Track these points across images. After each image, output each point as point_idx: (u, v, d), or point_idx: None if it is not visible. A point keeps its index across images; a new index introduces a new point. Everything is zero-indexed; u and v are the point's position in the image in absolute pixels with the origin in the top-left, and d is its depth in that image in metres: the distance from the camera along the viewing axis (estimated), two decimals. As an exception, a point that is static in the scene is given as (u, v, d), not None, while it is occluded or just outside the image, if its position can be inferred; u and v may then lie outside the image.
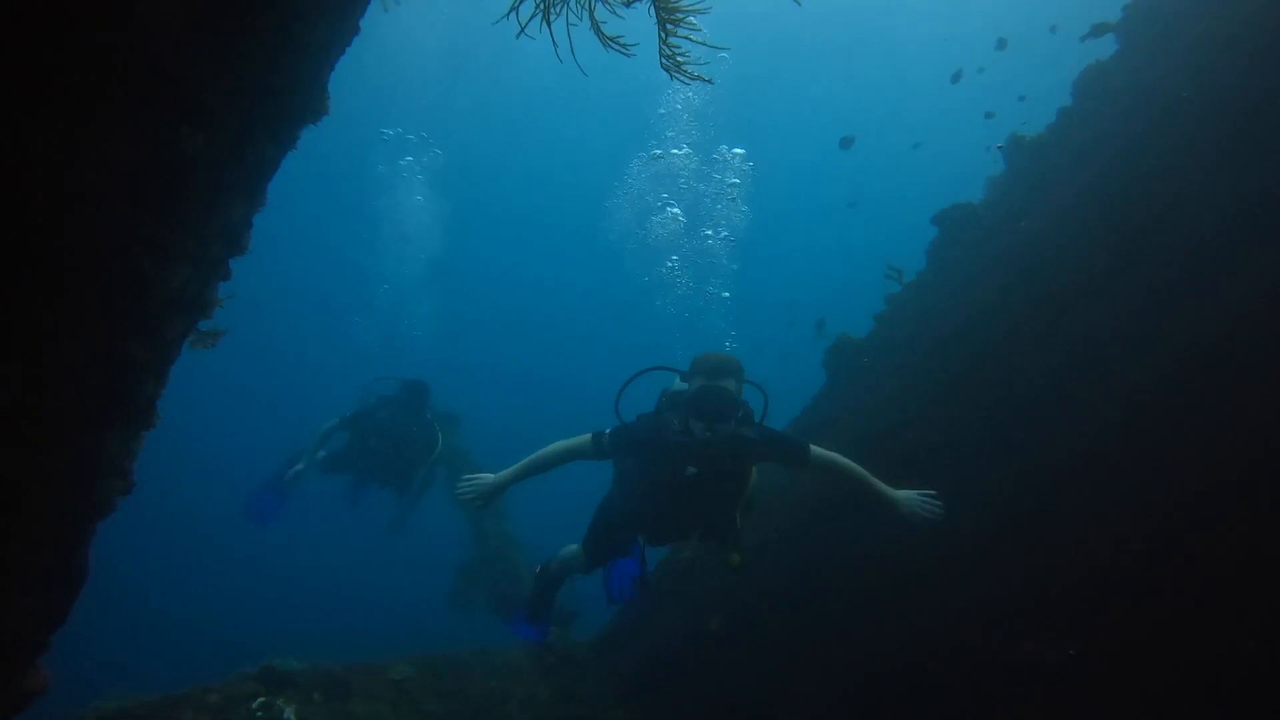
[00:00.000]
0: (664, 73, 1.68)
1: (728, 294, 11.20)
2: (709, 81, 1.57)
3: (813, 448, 3.94)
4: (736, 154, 10.88)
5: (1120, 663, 3.62)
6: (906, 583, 4.54)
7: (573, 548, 4.77)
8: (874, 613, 4.68)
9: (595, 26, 1.50)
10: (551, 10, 1.60)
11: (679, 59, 1.52)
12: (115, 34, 1.55)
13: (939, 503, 3.69)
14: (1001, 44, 10.14)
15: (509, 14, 1.47)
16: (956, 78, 10.76)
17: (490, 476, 3.97)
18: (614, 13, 1.49)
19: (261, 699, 4.22)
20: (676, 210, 10.95)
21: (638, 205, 11.67)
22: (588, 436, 4.00)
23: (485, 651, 5.85)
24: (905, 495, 3.76)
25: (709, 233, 10.91)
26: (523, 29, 1.51)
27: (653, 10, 1.47)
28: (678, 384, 4.21)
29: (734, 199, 10.86)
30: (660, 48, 1.50)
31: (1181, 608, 3.50)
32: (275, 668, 4.48)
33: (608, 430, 4.00)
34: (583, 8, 1.50)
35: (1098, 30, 5.06)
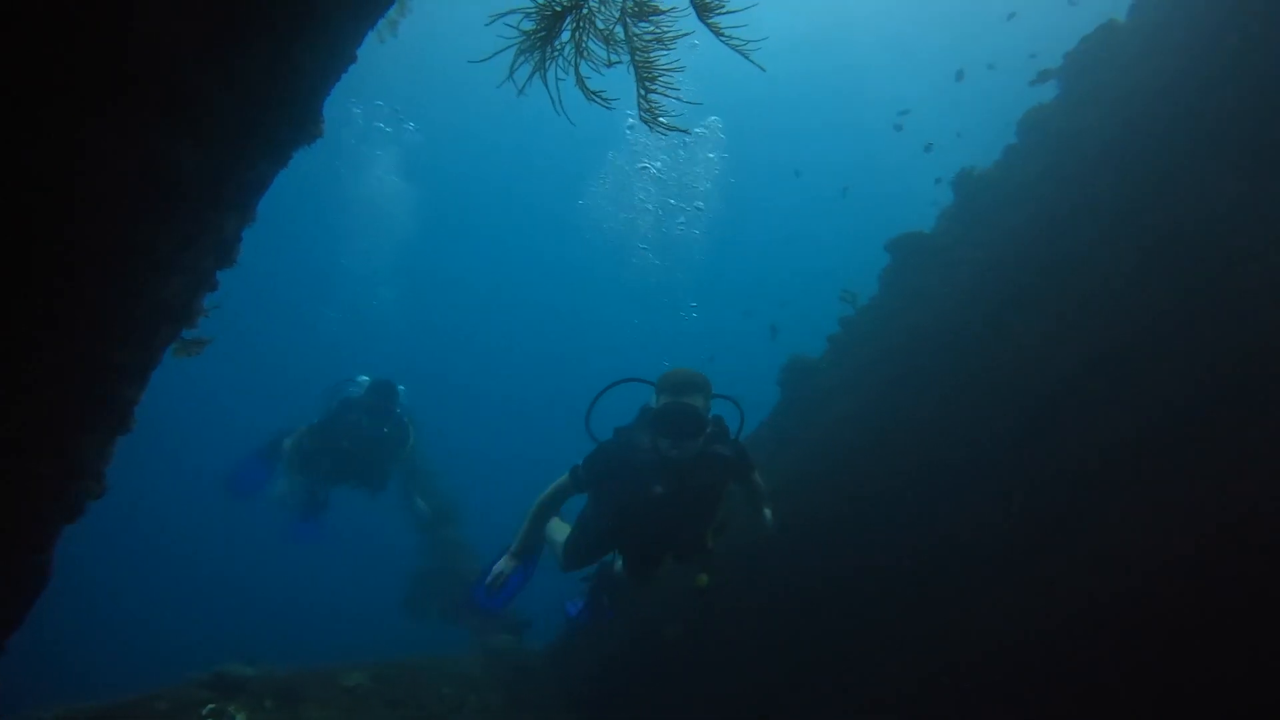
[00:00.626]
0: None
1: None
2: (685, 132, 1.70)
3: (756, 474, 4.11)
4: (713, 120, 11.08)
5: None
6: (861, 597, 4.72)
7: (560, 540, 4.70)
8: (833, 624, 4.84)
9: (580, 82, 1.61)
10: (541, 64, 1.72)
11: (655, 112, 1.64)
12: (118, 51, 1.62)
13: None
14: (959, 75, 10.80)
15: (510, 76, 1.58)
16: (899, 125, 11.38)
17: (505, 561, 4.05)
18: (596, 70, 1.61)
19: (212, 706, 4.18)
20: (654, 165, 11.04)
21: (617, 180, 11.79)
22: (566, 476, 4.05)
23: (438, 659, 5.87)
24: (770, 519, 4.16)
25: (679, 205, 11.10)
26: (520, 89, 1.63)
27: (631, 68, 1.60)
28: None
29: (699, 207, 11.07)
30: (639, 102, 1.62)
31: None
32: (227, 674, 4.44)
33: (581, 463, 4.02)
34: (569, 64, 1.62)
35: (1043, 76, 5.39)
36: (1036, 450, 4.17)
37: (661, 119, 1.66)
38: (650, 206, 11.57)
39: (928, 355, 5.00)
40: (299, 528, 7.37)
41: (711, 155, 11.15)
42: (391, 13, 1.97)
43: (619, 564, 4.44)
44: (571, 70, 1.71)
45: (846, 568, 4.67)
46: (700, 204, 11.34)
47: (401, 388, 7.66)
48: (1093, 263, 4.35)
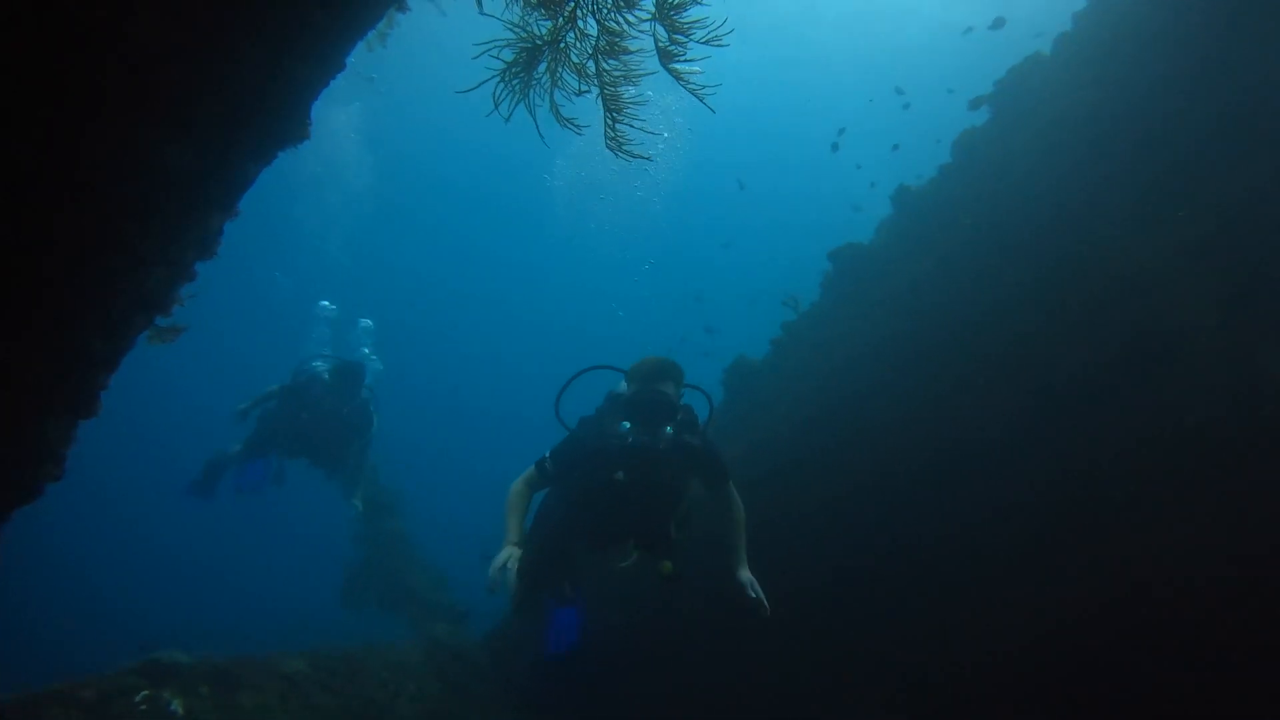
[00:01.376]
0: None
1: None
2: (648, 159, 1.85)
3: (730, 481, 3.98)
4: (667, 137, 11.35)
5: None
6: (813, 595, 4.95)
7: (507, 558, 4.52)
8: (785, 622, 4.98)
9: (554, 109, 1.75)
10: (519, 91, 1.85)
11: (621, 140, 1.79)
12: (116, 54, 1.67)
13: (765, 607, 3.64)
14: (900, 91, 11.40)
15: (495, 107, 1.70)
16: (836, 145, 11.92)
17: (504, 555, 3.70)
18: (568, 99, 1.75)
19: (145, 692, 4.13)
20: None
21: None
22: (532, 469, 4.00)
23: (376, 647, 5.88)
24: (747, 577, 3.75)
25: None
26: (508, 118, 1.75)
27: (600, 99, 1.74)
28: (622, 385, 4.10)
29: None
30: (606, 131, 1.76)
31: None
32: (160, 660, 4.37)
33: (548, 454, 3.97)
34: (545, 91, 1.75)
35: (975, 103, 5.74)
36: (961, 449, 4.49)
37: (625, 148, 1.80)
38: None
39: (863, 359, 5.30)
40: (245, 471, 7.25)
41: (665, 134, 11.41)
42: (381, 25, 2.05)
43: (578, 548, 4.33)
44: (548, 96, 1.84)
45: (790, 568, 4.90)
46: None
47: (380, 366, 7.59)
48: (1014, 280, 4.70)
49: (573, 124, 1.76)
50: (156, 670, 4.28)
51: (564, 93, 1.88)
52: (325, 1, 1.90)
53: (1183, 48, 4.53)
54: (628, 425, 3.76)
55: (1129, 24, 5.08)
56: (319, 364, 7.50)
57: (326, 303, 8.05)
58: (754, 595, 3.68)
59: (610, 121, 1.74)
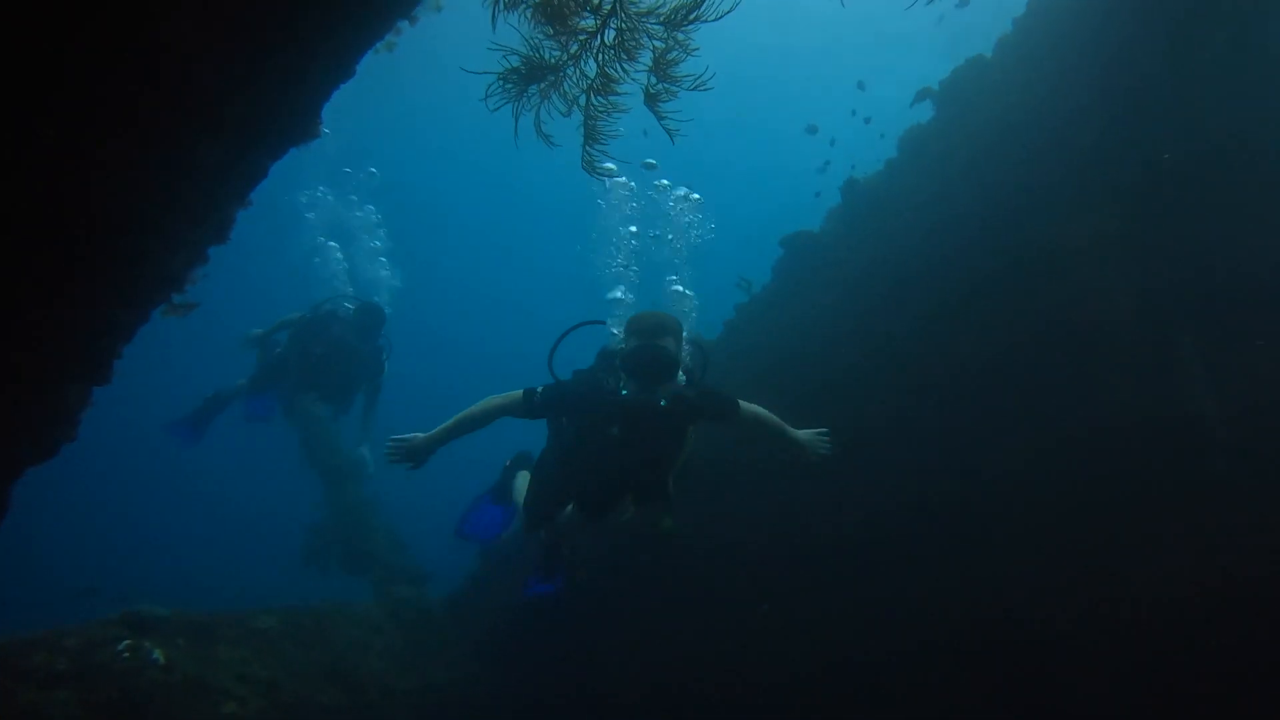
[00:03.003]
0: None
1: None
2: (616, 174, 2.13)
3: (741, 403, 3.94)
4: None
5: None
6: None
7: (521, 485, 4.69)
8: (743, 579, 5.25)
9: (537, 124, 2.01)
10: (511, 97, 2.12)
11: (594, 163, 2.06)
12: (153, 56, 1.89)
13: (828, 440, 4.05)
14: (861, 85, 11.65)
15: (485, 99, 1.95)
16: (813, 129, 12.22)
17: (420, 436, 3.80)
18: (549, 116, 2.01)
19: (128, 641, 4.33)
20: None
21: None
22: (519, 393, 3.86)
23: (344, 605, 6.14)
24: (806, 435, 4.06)
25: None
26: (516, 131, 2.01)
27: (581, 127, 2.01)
28: (615, 341, 4.11)
29: None
30: (582, 155, 2.03)
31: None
32: (140, 613, 4.57)
33: (539, 388, 3.88)
34: (532, 108, 2.02)
35: (921, 95, 6.12)
36: (906, 435, 4.91)
37: (598, 168, 2.08)
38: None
39: (812, 341, 5.68)
40: (254, 402, 7.36)
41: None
42: (389, 36, 2.28)
43: (571, 508, 4.36)
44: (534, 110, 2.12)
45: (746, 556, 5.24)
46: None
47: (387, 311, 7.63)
48: (956, 272, 5.10)
49: (549, 139, 2.02)
50: (137, 621, 4.48)
51: (547, 112, 2.15)
52: (346, 15, 2.12)
53: (1112, 53, 4.95)
54: (626, 381, 3.69)
55: (1064, 29, 5.49)
56: (345, 303, 7.52)
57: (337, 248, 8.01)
58: (822, 441, 4.03)
59: (587, 148, 2.01)
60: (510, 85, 2.14)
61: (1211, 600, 3.72)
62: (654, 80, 1.88)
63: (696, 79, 1.85)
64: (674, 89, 1.86)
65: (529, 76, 2.10)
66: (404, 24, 2.41)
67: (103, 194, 1.95)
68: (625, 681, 5.38)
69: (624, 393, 3.70)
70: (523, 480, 4.82)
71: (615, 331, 4.40)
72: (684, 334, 3.83)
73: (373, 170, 14.07)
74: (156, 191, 2.07)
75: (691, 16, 1.75)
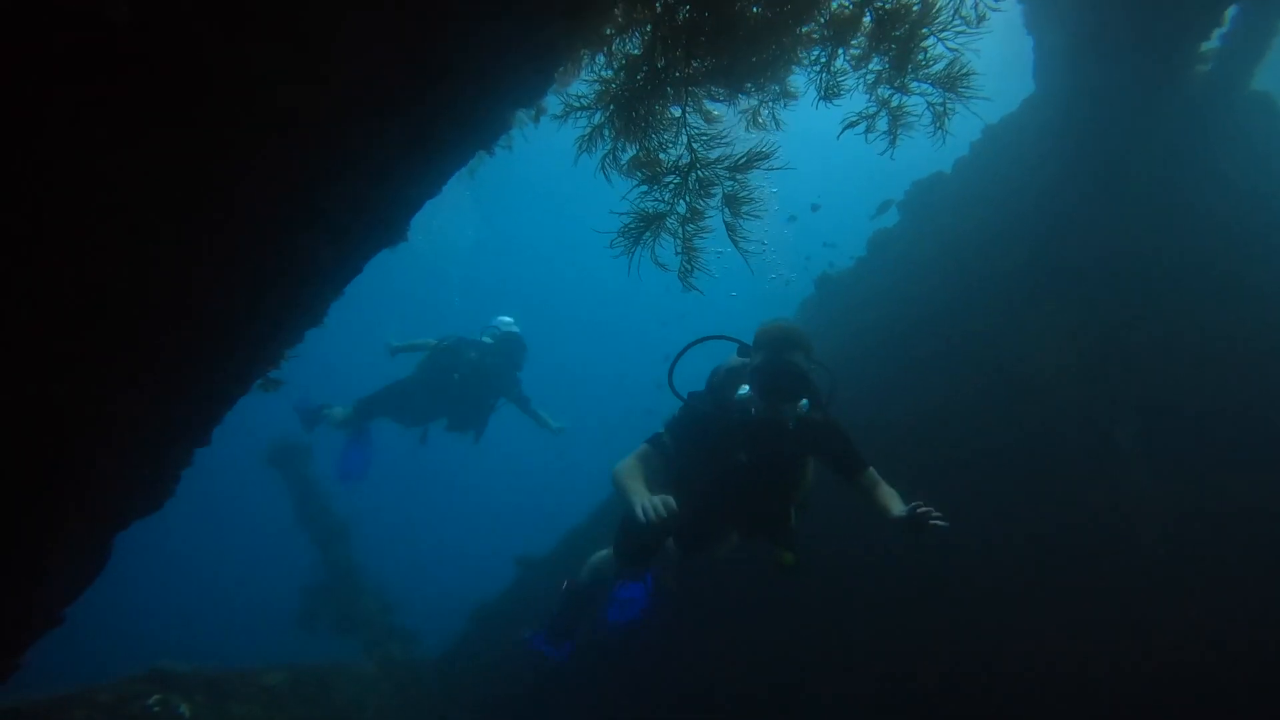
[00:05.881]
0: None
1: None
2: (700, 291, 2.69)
3: (870, 468, 3.48)
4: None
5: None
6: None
7: (603, 554, 4.31)
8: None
9: (653, 256, 2.58)
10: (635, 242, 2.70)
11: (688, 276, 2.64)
12: (290, 179, 2.39)
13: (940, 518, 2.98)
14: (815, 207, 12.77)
15: (610, 245, 2.52)
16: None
17: (652, 498, 3.21)
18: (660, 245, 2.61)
19: (158, 696, 4.55)
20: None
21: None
22: (646, 446, 3.56)
23: (341, 664, 6.36)
24: (907, 508, 3.14)
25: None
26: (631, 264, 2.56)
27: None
28: (733, 359, 3.70)
29: None
30: (681, 267, 2.60)
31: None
32: (164, 669, 4.80)
33: (663, 428, 3.60)
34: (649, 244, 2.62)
35: (883, 206, 6.89)
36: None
37: (691, 279, 2.66)
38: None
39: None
40: (349, 458, 7.48)
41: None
42: (472, 162, 2.84)
43: (670, 542, 3.99)
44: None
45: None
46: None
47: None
48: (923, 368, 5.71)
49: (662, 265, 2.60)
50: (163, 677, 4.72)
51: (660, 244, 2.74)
52: (441, 147, 2.67)
53: (1051, 173, 5.74)
54: (754, 400, 3.36)
55: (1011, 155, 6.32)
56: (483, 337, 7.69)
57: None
58: (921, 510, 2.99)
59: (686, 261, 2.58)
60: (631, 235, 2.71)
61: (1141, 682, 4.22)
62: (728, 213, 2.48)
63: (755, 208, 2.47)
64: (742, 216, 2.46)
65: (642, 228, 2.68)
66: (483, 153, 2.99)
67: (237, 291, 2.42)
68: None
69: (753, 412, 3.38)
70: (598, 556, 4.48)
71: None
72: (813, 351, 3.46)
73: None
74: (275, 288, 2.55)
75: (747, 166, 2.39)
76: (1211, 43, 5.45)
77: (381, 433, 7.78)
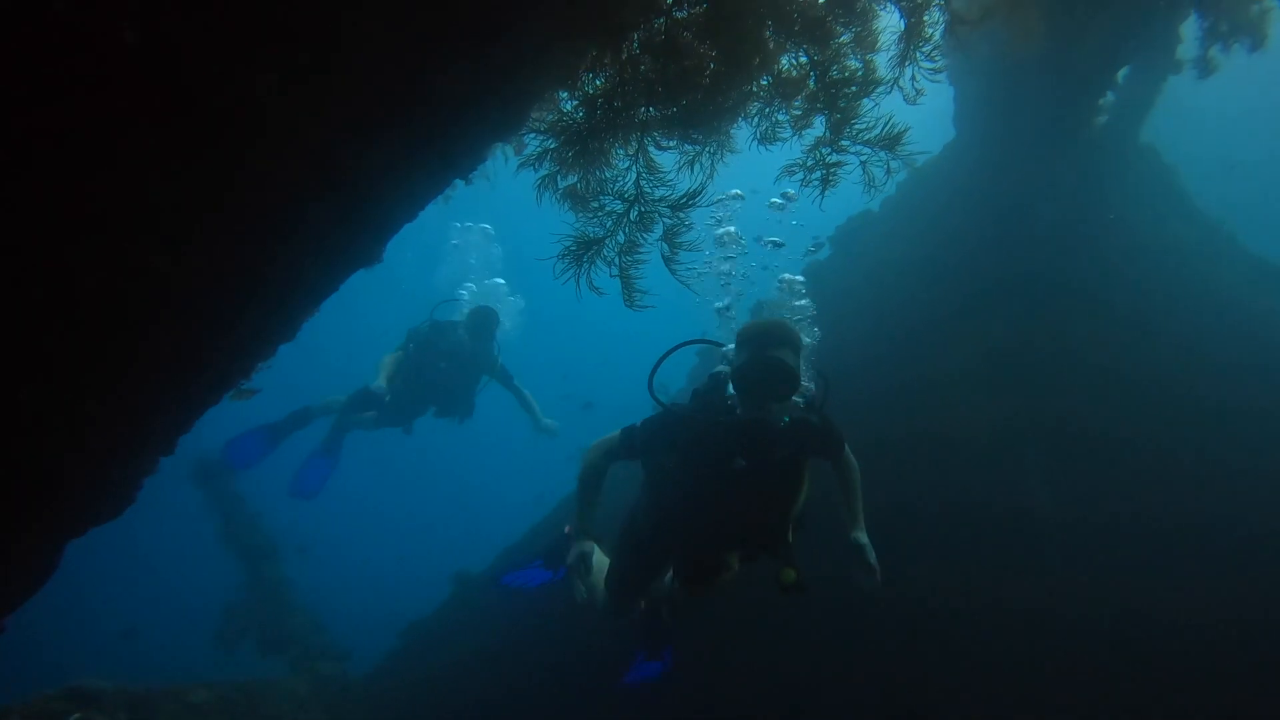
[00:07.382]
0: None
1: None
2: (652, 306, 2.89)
3: (846, 445, 3.41)
4: None
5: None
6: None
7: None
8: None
9: (588, 280, 2.80)
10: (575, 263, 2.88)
11: (632, 298, 2.84)
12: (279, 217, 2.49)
13: (878, 574, 3.22)
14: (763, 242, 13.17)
15: (553, 272, 2.71)
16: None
17: (579, 550, 3.39)
18: (598, 272, 2.82)
19: (78, 715, 4.39)
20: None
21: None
22: (617, 434, 3.43)
23: (270, 681, 6.23)
24: (864, 539, 3.30)
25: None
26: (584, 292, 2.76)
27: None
28: (722, 364, 3.53)
29: None
30: (622, 291, 2.79)
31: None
32: (83, 687, 4.64)
33: (638, 422, 3.39)
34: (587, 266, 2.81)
35: (815, 246, 7.31)
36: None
37: (636, 300, 2.85)
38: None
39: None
40: (309, 475, 7.20)
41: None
42: (447, 190, 3.00)
43: (669, 576, 3.87)
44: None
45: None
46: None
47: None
48: (853, 377, 6.08)
49: (597, 289, 2.78)
50: (82, 696, 4.55)
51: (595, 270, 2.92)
52: (425, 176, 2.82)
53: (967, 211, 6.26)
54: (739, 400, 3.16)
55: (930, 196, 6.84)
56: (446, 313, 7.55)
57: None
58: (870, 561, 3.19)
59: (626, 289, 2.77)
60: (570, 256, 2.89)
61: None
62: (666, 248, 2.69)
63: (694, 242, 2.69)
64: (679, 250, 2.68)
65: (581, 251, 2.86)
66: (460, 182, 3.14)
67: (221, 298, 2.51)
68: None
69: (738, 413, 3.16)
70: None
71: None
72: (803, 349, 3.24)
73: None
74: (264, 300, 2.64)
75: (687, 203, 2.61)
76: (1107, 99, 6.12)
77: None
